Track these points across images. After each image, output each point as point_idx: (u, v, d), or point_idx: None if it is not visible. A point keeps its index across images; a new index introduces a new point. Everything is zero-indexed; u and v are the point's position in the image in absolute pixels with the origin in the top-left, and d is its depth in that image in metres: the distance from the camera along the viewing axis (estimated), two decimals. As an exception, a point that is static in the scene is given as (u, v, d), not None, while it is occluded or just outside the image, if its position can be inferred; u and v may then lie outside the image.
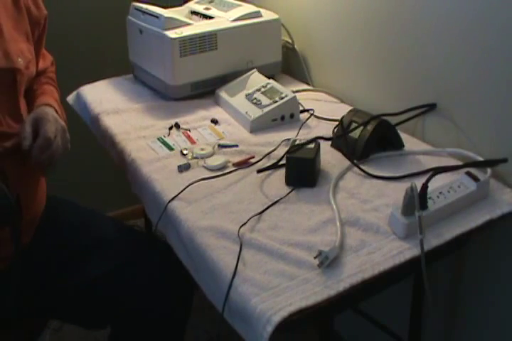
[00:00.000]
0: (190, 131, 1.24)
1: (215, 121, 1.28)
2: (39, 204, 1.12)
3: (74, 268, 1.11)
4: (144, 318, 1.12)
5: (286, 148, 1.06)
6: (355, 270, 0.82)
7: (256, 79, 1.34)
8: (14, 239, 0.96)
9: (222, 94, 1.35)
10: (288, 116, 1.26)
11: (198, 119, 1.29)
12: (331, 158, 1.10)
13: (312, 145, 1.04)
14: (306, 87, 1.46)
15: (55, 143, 1.01)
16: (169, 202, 0.99)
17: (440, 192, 0.93)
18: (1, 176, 0.95)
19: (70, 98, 1.51)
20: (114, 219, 1.28)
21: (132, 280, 1.12)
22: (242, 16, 1.40)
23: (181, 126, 1.26)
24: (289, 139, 1.15)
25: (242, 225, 0.91)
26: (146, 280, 1.13)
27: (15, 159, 1.01)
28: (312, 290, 0.78)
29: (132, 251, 1.16)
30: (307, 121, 1.27)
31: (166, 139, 1.21)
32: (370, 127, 1.08)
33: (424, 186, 0.88)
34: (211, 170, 1.08)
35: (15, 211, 0.95)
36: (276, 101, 1.24)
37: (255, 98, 1.27)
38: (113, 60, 1.75)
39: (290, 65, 1.56)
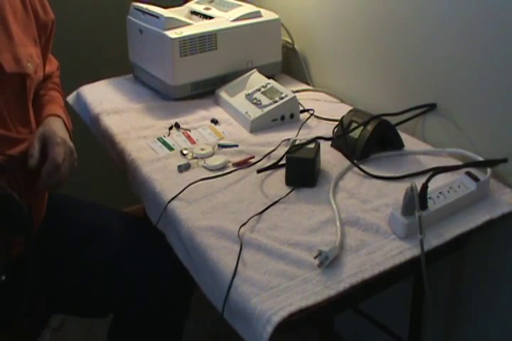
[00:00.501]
0: (190, 131, 1.24)
1: (215, 121, 1.28)
2: (43, 204, 1.13)
3: (74, 256, 1.12)
4: (143, 317, 1.12)
5: (286, 148, 1.06)
6: (355, 270, 0.82)
7: (256, 79, 1.34)
8: (27, 245, 0.96)
9: (222, 94, 1.35)
10: (288, 116, 1.26)
11: (198, 119, 1.29)
12: (331, 158, 1.10)
13: (312, 145, 1.04)
14: (306, 87, 1.46)
15: (62, 168, 1.02)
16: (169, 202, 0.99)
17: (440, 192, 0.93)
18: (14, 186, 0.95)
19: (70, 98, 1.51)
20: (116, 210, 1.28)
21: (131, 269, 1.12)
22: (242, 16, 1.40)
23: (181, 126, 1.26)
24: (289, 139, 1.15)
25: (242, 225, 0.91)
26: (146, 267, 1.12)
27: (23, 164, 1.01)
28: (312, 290, 0.78)
29: (132, 239, 1.16)
30: (307, 121, 1.27)
31: (166, 139, 1.21)
32: (370, 127, 1.08)
33: (424, 186, 0.88)
34: (211, 170, 1.08)
35: (28, 221, 0.95)
36: (276, 101, 1.24)
37: (255, 98, 1.27)
38: (113, 60, 1.75)
39: (290, 65, 1.56)
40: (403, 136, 1.14)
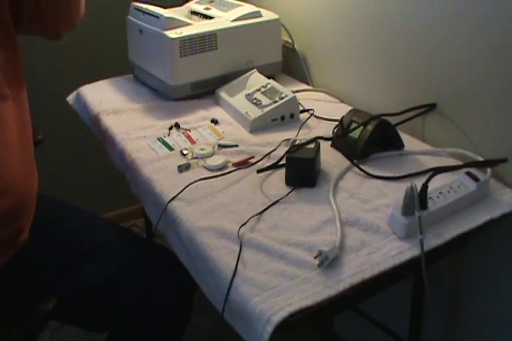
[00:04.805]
0: (190, 131, 1.24)
1: (215, 121, 1.28)
2: (27, 187, 1.04)
3: (74, 272, 1.11)
4: (144, 318, 1.12)
5: (286, 148, 1.06)
6: (355, 270, 0.82)
7: (256, 79, 1.34)
8: None
9: (222, 94, 1.35)
10: (288, 116, 1.26)
11: (198, 119, 1.29)
12: (331, 158, 1.10)
13: (312, 145, 1.04)
14: (306, 87, 1.46)
15: None
16: (169, 202, 0.99)
17: (440, 192, 0.93)
18: None
19: (70, 98, 1.51)
20: (113, 222, 1.27)
21: (133, 284, 1.11)
22: (242, 16, 1.40)
23: (181, 126, 1.26)
24: (289, 139, 1.15)
25: (242, 225, 0.91)
26: (147, 284, 1.12)
27: None
28: (312, 290, 0.78)
29: (132, 255, 1.15)
30: (307, 121, 1.27)
31: (166, 139, 1.21)
32: (370, 127, 1.08)
33: (424, 186, 0.88)
34: (211, 170, 1.08)
35: None
36: (276, 101, 1.24)
37: (255, 98, 1.27)
38: (113, 60, 1.75)
39: (290, 65, 1.56)
40: (403, 136, 1.14)
